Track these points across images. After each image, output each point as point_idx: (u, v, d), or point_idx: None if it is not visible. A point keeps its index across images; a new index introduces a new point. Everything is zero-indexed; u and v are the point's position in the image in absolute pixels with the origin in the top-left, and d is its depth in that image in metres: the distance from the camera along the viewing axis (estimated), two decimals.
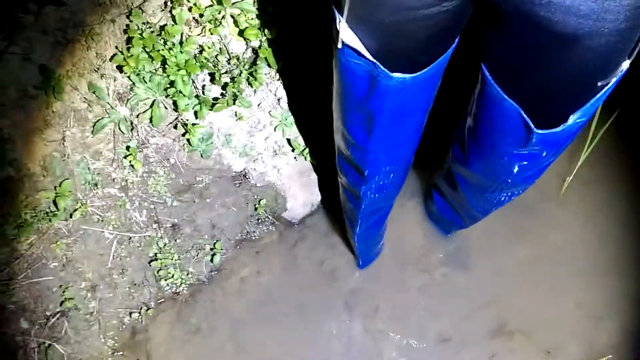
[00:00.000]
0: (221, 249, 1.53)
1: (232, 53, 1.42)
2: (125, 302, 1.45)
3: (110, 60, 1.34)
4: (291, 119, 1.52)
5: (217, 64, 1.40)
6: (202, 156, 1.48)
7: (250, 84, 1.43)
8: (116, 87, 1.38)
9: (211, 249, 1.52)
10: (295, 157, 1.59)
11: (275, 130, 1.54)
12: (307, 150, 1.57)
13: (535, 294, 1.56)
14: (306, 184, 1.65)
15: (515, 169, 0.99)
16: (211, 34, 1.38)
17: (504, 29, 0.74)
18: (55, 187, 1.33)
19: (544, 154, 0.92)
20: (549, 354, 1.47)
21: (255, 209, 1.60)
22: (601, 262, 1.61)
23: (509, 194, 1.13)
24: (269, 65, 1.43)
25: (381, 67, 0.80)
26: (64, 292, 1.34)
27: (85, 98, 1.36)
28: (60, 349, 1.34)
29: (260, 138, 1.55)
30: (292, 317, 1.55)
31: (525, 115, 0.84)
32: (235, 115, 1.49)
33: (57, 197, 1.32)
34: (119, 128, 1.40)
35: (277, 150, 1.57)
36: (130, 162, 1.41)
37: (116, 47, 1.35)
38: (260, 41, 1.40)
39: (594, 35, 0.67)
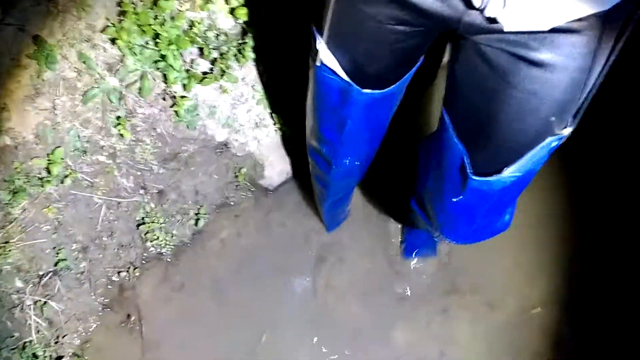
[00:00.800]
0: (205, 214, 1.64)
1: (220, 29, 1.48)
2: (114, 262, 1.54)
3: (102, 32, 1.38)
4: (272, 93, 1.62)
5: (207, 40, 1.46)
6: (187, 127, 1.56)
7: (237, 60, 1.50)
8: (106, 58, 1.42)
9: (196, 214, 1.63)
10: (275, 130, 1.69)
11: (257, 103, 1.63)
12: (285, 123, 1.67)
13: (481, 256, 1.79)
14: (283, 155, 1.76)
15: (457, 226, 1.09)
16: (201, 10, 1.44)
17: (461, 61, 0.83)
18: (47, 154, 1.38)
19: (479, 206, 0.99)
20: (492, 307, 1.72)
21: (236, 176, 1.70)
22: (537, 226, 1.85)
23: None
24: (255, 43, 1.50)
25: (354, 85, 0.91)
26: (57, 253, 1.42)
27: (75, 67, 1.39)
28: (54, 305, 1.42)
29: (242, 110, 1.64)
30: (268, 276, 1.70)
31: (467, 160, 0.91)
32: (220, 88, 1.56)
33: (50, 164, 1.38)
34: (109, 98, 1.44)
35: (258, 123, 1.67)
36: (119, 131, 1.47)
37: (107, 19, 1.38)
38: (249, 19, 1.47)
39: (539, 81, 0.73)
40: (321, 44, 0.88)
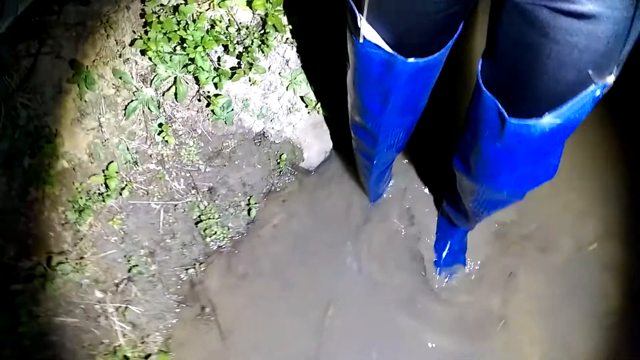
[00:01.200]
0: (255, 203, 1.70)
1: (240, 23, 1.52)
2: (180, 261, 1.63)
3: (131, 45, 1.43)
4: (300, 77, 1.65)
5: (229, 36, 1.50)
6: (225, 123, 1.61)
7: (262, 50, 1.54)
8: (138, 70, 1.48)
9: (247, 205, 1.70)
10: (308, 112, 1.73)
11: (287, 89, 1.67)
12: (318, 104, 1.71)
13: (526, 203, 1.79)
14: (319, 134, 1.80)
15: (501, 172, 1.07)
16: (219, 7, 1.47)
17: (501, 20, 0.83)
18: (103, 170, 1.46)
19: (520, 151, 0.97)
20: (546, 250, 1.73)
21: (278, 163, 1.75)
22: (582, 165, 1.84)
23: (495, 202, 1.24)
24: (276, 31, 1.53)
25: (398, 56, 0.93)
26: (128, 260, 1.51)
27: (113, 84, 1.45)
28: (134, 309, 1.52)
29: (273, 99, 1.68)
30: (322, 252, 1.75)
31: (500, 106, 0.92)
32: (249, 80, 1.61)
33: (107, 179, 1.46)
34: (148, 107, 1.51)
35: (291, 108, 1.71)
36: (163, 137, 1.53)
37: (134, 32, 1.43)
38: (267, 9, 1.49)
39: (580, 34, 0.73)
40: (362, 21, 0.89)
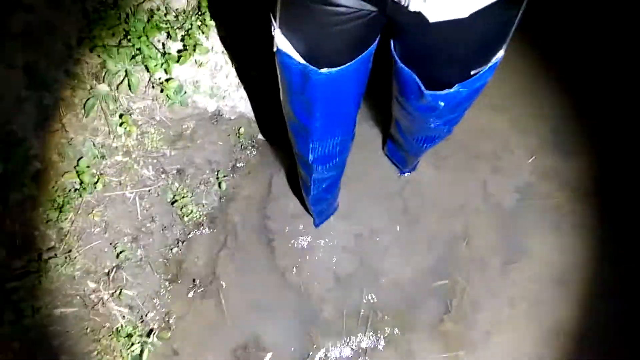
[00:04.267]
0: (224, 176, 1.81)
1: (177, 10, 1.63)
2: (163, 242, 1.72)
3: (79, 45, 1.52)
4: (241, 54, 1.77)
5: (169, 22, 1.61)
6: (181, 105, 1.71)
7: (202, 31, 1.65)
8: (90, 69, 1.57)
9: (216, 179, 1.80)
10: (257, 83, 1.85)
11: (232, 67, 1.78)
12: (261, 72, 1.83)
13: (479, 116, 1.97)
14: (272, 104, 1.93)
15: (431, 121, 1.22)
16: None
17: (404, 33, 0.96)
18: (74, 166, 1.54)
19: (442, 107, 1.11)
20: (492, 161, 1.93)
21: (238, 137, 1.87)
22: (527, 88, 2.04)
23: (432, 137, 1.40)
24: (211, 12, 1.65)
25: (310, 66, 0.96)
26: (115, 247, 1.59)
27: (67, 85, 1.53)
28: (128, 293, 1.61)
29: (221, 78, 1.79)
30: (296, 213, 1.89)
31: (417, 80, 1.05)
32: (196, 63, 1.72)
33: (80, 174, 1.54)
34: (106, 102, 1.59)
35: (239, 84, 1.83)
36: (125, 128, 1.62)
37: (79, 32, 1.52)
38: None
39: (471, 39, 0.88)
40: (276, 30, 0.93)
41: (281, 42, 0.95)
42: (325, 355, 1.69)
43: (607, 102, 1.98)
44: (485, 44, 0.93)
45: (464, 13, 0.79)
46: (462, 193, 1.89)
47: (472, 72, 0.99)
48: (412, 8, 0.79)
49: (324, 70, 0.97)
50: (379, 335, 1.71)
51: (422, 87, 1.05)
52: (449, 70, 1.00)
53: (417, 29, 0.90)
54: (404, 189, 1.91)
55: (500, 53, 0.97)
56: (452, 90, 1.03)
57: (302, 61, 0.95)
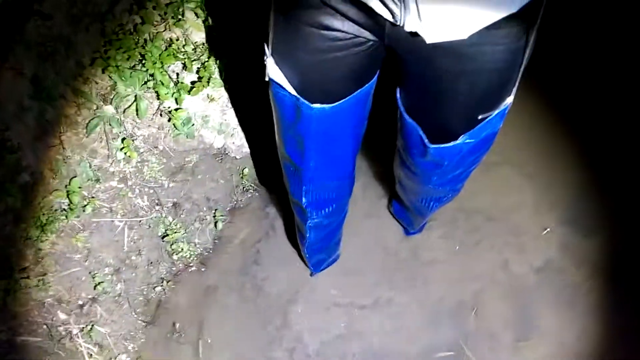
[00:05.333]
0: (222, 216, 1.72)
1: (196, 42, 1.62)
2: (146, 279, 1.59)
3: (91, 65, 1.49)
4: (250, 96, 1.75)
5: (187, 54, 1.60)
6: (187, 137, 1.66)
7: (218, 66, 1.63)
8: (99, 90, 1.53)
9: (213, 217, 1.71)
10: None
11: (243, 105, 1.75)
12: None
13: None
14: None
15: (432, 178, 1.14)
16: (175, 26, 1.58)
17: (407, 69, 0.90)
18: (65, 185, 1.46)
19: (446, 163, 1.04)
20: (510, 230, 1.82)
21: (241, 178, 1.80)
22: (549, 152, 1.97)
23: (437, 198, 1.30)
24: (229, 49, 1.64)
25: (302, 99, 0.90)
26: (93, 277, 1.47)
27: (73, 102, 1.49)
28: (100, 329, 1.46)
29: (232, 115, 1.75)
30: (291, 264, 1.76)
31: (422, 133, 0.99)
32: (208, 97, 1.68)
33: (70, 194, 1.45)
34: (110, 124, 1.54)
35: (249, 123, 1.78)
36: (126, 153, 1.56)
37: (94, 52, 1.50)
38: (218, 31, 1.61)
39: (475, 74, 0.81)
40: (268, 59, 0.89)
41: (273, 71, 0.90)
42: None
43: (631, 178, 1.90)
44: (491, 80, 0.85)
45: (463, 34, 0.73)
46: (472, 260, 1.76)
47: (479, 117, 0.92)
48: (407, 28, 0.73)
49: (316, 105, 0.92)
50: None
51: (426, 141, 0.99)
52: (454, 116, 0.93)
53: (418, 60, 0.84)
54: (409, 250, 1.79)
55: (509, 99, 0.91)
56: (457, 142, 0.96)
57: (294, 93, 0.91)
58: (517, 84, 0.88)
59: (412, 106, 0.99)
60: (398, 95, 1.01)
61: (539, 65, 0.92)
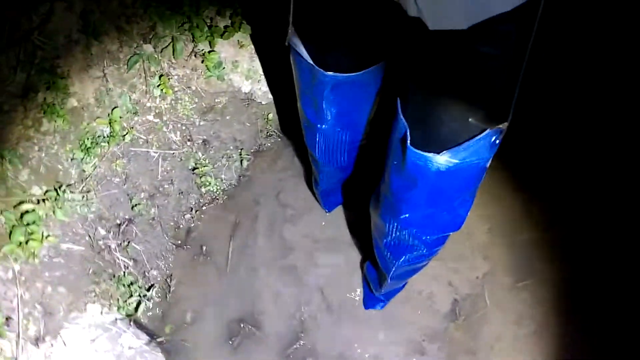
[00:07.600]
0: (247, 155, 1.85)
1: None
2: (177, 207, 1.73)
3: (133, 5, 1.62)
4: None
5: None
6: (217, 79, 1.78)
7: (249, 13, 1.75)
8: (139, 29, 1.66)
9: (239, 155, 1.84)
10: None
11: (271, 53, 1.87)
12: None
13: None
14: None
15: (402, 206, 1.06)
16: None
17: (413, 52, 0.89)
18: (107, 114, 1.60)
19: (420, 185, 0.97)
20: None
21: (265, 122, 1.92)
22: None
23: (405, 247, 1.18)
24: None
25: (316, 67, 0.98)
26: (130, 200, 1.61)
27: (117, 39, 1.62)
28: (136, 246, 1.61)
29: (259, 63, 1.87)
30: (306, 208, 1.88)
31: (408, 133, 0.93)
32: (238, 43, 1.80)
33: (112, 122, 1.59)
34: (148, 62, 1.67)
35: (275, 71, 1.90)
36: (162, 90, 1.69)
37: None
38: None
39: (472, 69, 0.80)
40: (290, 27, 0.96)
41: (293, 38, 0.99)
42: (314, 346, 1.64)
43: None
44: (487, 81, 0.83)
45: (462, 24, 0.72)
46: None
47: (470, 120, 0.87)
48: (410, 13, 0.73)
49: (330, 73, 0.99)
50: None
51: (409, 142, 0.94)
52: (446, 112, 0.89)
53: (422, 47, 0.85)
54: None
55: (502, 125, 0.85)
56: (436, 155, 0.91)
57: (309, 60, 0.99)
58: (512, 104, 0.83)
59: (408, 105, 0.97)
60: (398, 102, 0.99)
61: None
